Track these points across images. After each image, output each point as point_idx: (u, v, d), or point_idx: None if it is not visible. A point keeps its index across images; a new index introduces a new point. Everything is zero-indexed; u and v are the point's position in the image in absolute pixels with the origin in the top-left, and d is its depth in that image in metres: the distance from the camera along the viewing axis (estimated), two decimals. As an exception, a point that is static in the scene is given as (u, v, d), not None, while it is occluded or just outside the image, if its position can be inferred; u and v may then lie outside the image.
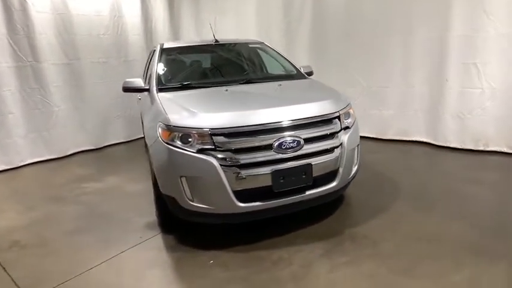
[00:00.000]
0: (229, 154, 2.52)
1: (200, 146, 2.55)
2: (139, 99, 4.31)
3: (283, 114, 2.67)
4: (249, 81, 3.49)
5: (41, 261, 2.80)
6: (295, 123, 2.66)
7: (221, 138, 2.53)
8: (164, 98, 3.06)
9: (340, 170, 2.86)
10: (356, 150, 3.04)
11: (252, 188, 2.57)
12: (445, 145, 4.71)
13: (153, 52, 4.47)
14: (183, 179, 2.59)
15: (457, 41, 4.34)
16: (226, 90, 3.19)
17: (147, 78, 3.66)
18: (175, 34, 7.04)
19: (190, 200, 2.62)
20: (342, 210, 3.26)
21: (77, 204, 3.86)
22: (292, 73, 3.84)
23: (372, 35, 5.05)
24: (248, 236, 2.88)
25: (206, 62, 4.04)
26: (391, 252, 2.55)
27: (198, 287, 2.35)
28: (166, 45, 4.05)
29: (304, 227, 2.99)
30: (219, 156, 2.52)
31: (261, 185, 2.58)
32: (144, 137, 6.00)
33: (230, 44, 4.26)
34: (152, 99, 3.31)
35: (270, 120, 2.60)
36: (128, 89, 3.61)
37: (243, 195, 2.57)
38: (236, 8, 6.63)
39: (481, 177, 3.80)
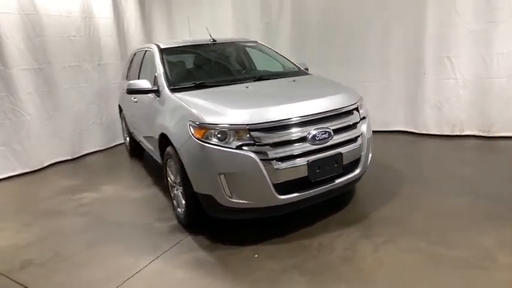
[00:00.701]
0: (268, 148, 2.57)
1: (239, 142, 2.56)
2: (136, 101, 4.14)
3: (314, 107, 2.78)
4: (259, 79, 3.54)
5: (70, 275, 2.61)
6: (325, 115, 2.79)
7: (259, 133, 2.57)
8: (184, 98, 3.02)
9: (362, 158, 3.04)
10: (371, 139, 3.24)
11: (290, 180, 2.65)
12: (425, 132, 5.15)
13: (145, 53, 4.35)
14: (222, 176, 2.58)
15: (432, 38, 4.78)
16: (247, 87, 3.22)
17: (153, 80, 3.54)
18: (147, 35, 6.84)
19: (229, 197, 2.62)
20: (357, 197, 3.45)
21: (79, 216, 3.63)
22: (294, 70, 3.97)
23: (351, 34, 5.36)
24: (280, 228, 2.94)
25: (209, 61, 4.01)
26: (419, 229, 2.77)
27: (257, 279, 2.36)
28: (163, 46, 3.95)
29: (329, 215, 3.12)
30: (259, 151, 2.56)
31: (298, 177, 2.66)
32: (125, 143, 5.83)
33: (227, 43, 4.27)
34: (164, 101, 3.24)
35: (304, 113, 2.70)
36: (132, 91, 3.49)
37: (282, 187, 2.63)
38: (210, 8, 6.62)
39: (466, 158, 4.24)
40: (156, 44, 4.01)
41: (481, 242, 2.53)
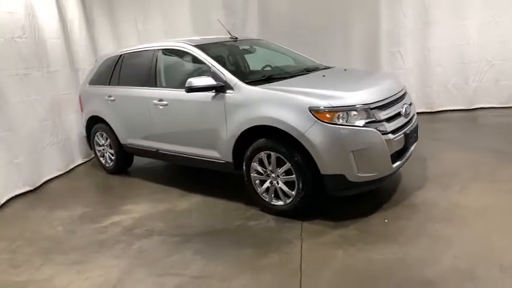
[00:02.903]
0: (384, 124, 2.90)
1: (365, 121, 2.81)
2: (165, 105, 3.74)
3: (397, 86, 3.28)
4: (309, 70, 3.74)
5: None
6: (404, 93, 3.31)
7: (378, 111, 2.88)
8: (282, 89, 3.06)
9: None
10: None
11: (396, 150, 3.03)
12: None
13: (156, 53, 3.97)
14: (351, 154, 2.78)
15: (385, 35, 5.87)
16: (323, 75, 3.44)
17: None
18: (91, 37, 5.96)
19: (357, 172, 2.84)
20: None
21: (145, 238, 3.10)
22: (315, 62, 4.31)
23: (316, 33, 6.01)
24: (372, 198, 3.25)
25: (248, 56, 3.97)
26: (472, 176, 3.52)
27: (411, 235, 2.67)
28: (195, 43, 3.72)
29: (399, 182, 3.58)
30: (380, 127, 2.86)
31: (401, 146, 3.07)
32: (100, 161, 4.94)
33: (247, 40, 4.30)
34: (247, 95, 3.16)
35: (398, 90, 3.16)
36: (194, 89, 3.24)
37: (393, 157, 3.00)
38: (162, 8, 6.29)
39: (432, 127, 5.37)
40: (185, 42, 3.74)
41: (518, 175, 3.47)
